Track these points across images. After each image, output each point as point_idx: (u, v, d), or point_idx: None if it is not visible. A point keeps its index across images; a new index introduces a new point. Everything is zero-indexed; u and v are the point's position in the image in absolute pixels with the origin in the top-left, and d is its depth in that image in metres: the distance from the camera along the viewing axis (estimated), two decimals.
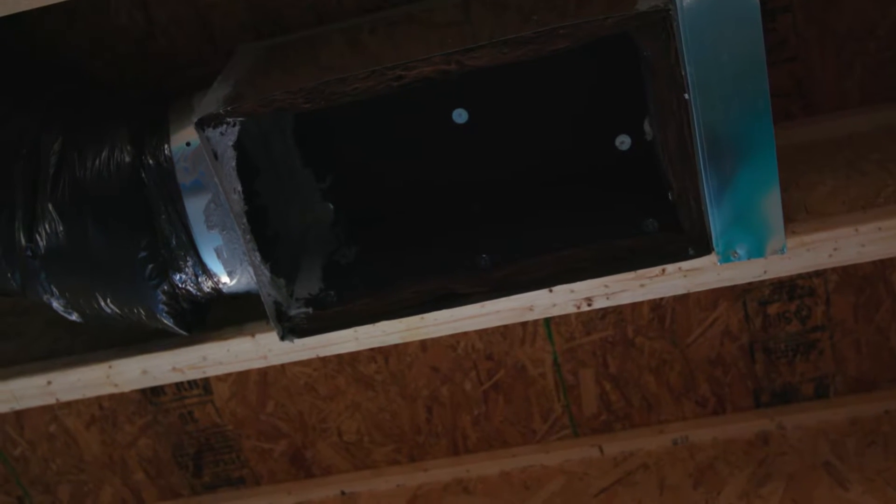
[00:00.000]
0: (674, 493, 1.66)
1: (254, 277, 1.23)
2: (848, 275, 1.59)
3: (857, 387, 1.70)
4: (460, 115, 1.34)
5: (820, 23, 1.38)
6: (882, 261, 1.56)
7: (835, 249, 1.22)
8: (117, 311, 1.29)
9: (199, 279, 1.28)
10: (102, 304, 1.28)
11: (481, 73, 1.12)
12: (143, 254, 1.24)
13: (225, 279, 1.28)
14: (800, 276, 1.58)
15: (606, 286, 1.26)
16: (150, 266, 1.25)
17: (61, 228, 1.24)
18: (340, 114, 1.31)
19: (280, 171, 1.35)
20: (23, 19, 1.17)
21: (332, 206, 1.41)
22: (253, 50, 1.35)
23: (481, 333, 1.69)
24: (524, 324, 1.68)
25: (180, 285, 1.28)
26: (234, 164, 1.16)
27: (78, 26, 1.42)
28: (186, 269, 1.26)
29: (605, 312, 1.66)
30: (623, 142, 1.33)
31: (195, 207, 1.23)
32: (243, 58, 1.32)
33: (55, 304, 1.31)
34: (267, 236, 1.25)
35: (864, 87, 1.43)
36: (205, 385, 1.78)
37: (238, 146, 1.16)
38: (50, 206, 1.24)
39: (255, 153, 1.27)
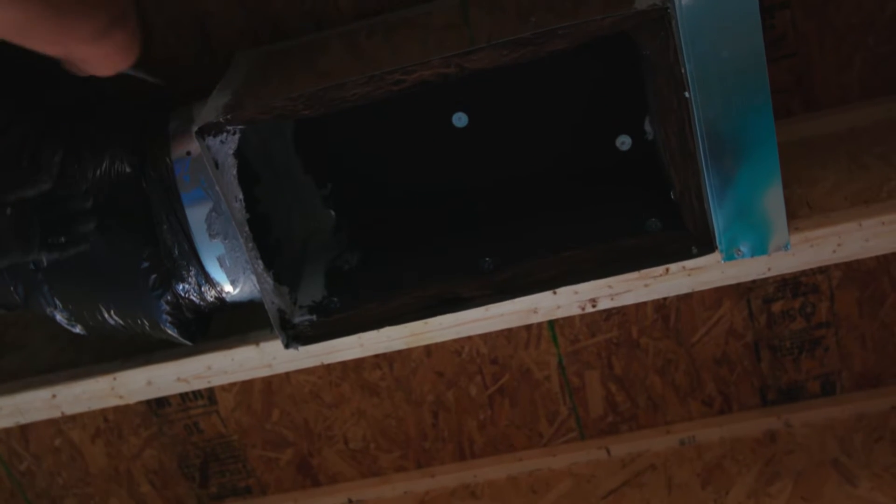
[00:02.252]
0: (682, 493, 1.66)
1: (257, 286, 1.23)
2: (851, 270, 1.59)
3: (864, 383, 1.69)
4: (460, 119, 1.34)
5: (818, 17, 1.38)
6: (886, 255, 1.56)
7: (839, 245, 1.22)
8: (121, 322, 1.29)
9: (202, 288, 1.27)
10: (106, 315, 1.28)
11: (481, 75, 1.12)
12: (145, 264, 1.24)
13: (228, 288, 1.28)
14: (803, 272, 1.58)
15: (610, 287, 1.25)
16: (153, 276, 1.24)
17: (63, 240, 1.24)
18: (340, 119, 1.31)
19: (281, 178, 1.35)
20: None
21: (333, 213, 1.41)
22: (251, 56, 1.35)
23: (486, 337, 1.69)
24: (528, 327, 1.67)
25: (183, 295, 1.27)
26: (234, 172, 1.16)
27: None
28: (189, 279, 1.26)
29: (609, 313, 1.65)
30: (624, 142, 1.33)
31: (197, 216, 1.23)
32: (242, 64, 1.32)
33: (58, 317, 1.30)
34: (269, 244, 1.25)
35: (863, 81, 1.42)
36: (209, 395, 1.78)
37: (238, 154, 1.16)
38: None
39: (256, 161, 1.27)
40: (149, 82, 1.22)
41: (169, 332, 1.30)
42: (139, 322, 1.29)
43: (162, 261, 1.24)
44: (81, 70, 1.09)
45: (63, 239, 1.11)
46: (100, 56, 1.00)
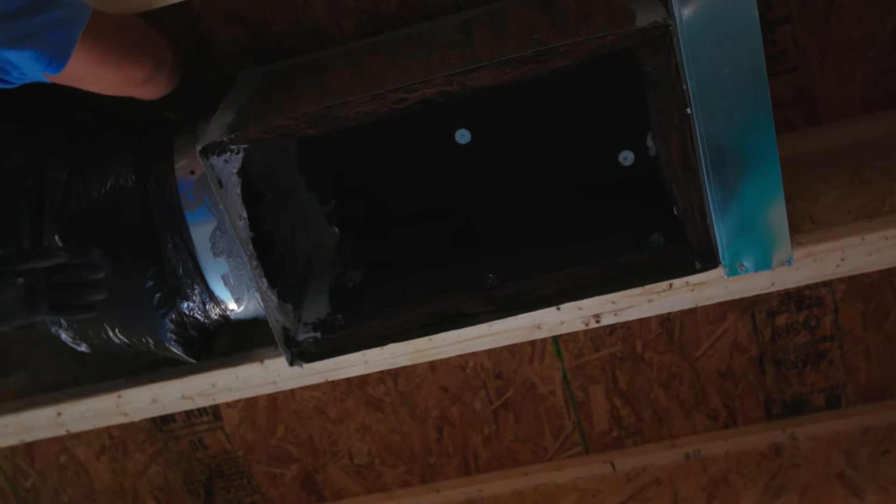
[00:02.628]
0: None
1: (261, 303, 1.23)
2: (855, 283, 1.58)
3: (869, 395, 1.69)
4: (463, 136, 1.34)
5: (819, 32, 1.39)
6: (889, 269, 1.55)
7: (842, 259, 1.22)
8: (125, 340, 1.29)
9: (207, 307, 1.28)
10: (111, 334, 1.28)
11: (483, 93, 1.12)
12: (150, 283, 1.24)
13: (232, 306, 1.28)
14: (807, 286, 1.58)
15: (614, 302, 1.25)
16: (158, 295, 1.25)
17: None
18: (344, 137, 1.31)
19: (284, 195, 1.35)
20: None
21: (336, 230, 1.41)
22: (255, 75, 1.35)
23: (490, 352, 1.69)
24: (532, 341, 1.67)
25: (188, 313, 1.28)
26: (238, 190, 1.17)
27: None
28: (194, 297, 1.26)
29: (613, 328, 1.65)
30: (626, 158, 1.33)
31: (201, 235, 1.23)
32: (245, 83, 1.32)
33: (63, 336, 1.31)
34: (273, 262, 1.25)
35: (865, 95, 1.43)
36: (214, 412, 1.78)
37: (242, 173, 1.16)
38: (56, 238, 1.24)
39: (260, 179, 1.27)
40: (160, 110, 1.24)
41: (173, 350, 1.30)
42: (144, 340, 1.29)
43: (166, 279, 1.25)
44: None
45: (72, 303, 1.16)
46: (147, 93, 1.18)
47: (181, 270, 1.24)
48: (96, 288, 1.17)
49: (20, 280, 1.12)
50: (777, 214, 1.16)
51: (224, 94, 1.29)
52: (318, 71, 1.32)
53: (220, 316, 1.29)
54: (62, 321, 1.28)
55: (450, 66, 1.11)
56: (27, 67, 1.00)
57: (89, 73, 1.07)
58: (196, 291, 1.26)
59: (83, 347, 1.32)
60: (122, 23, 1.11)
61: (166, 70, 1.17)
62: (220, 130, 1.14)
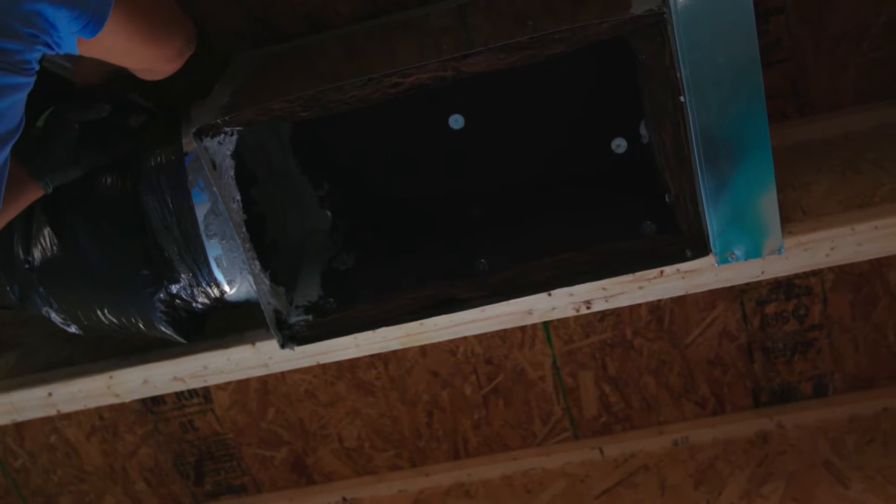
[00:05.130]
0: (675, 493, 1.66)
1: (253, 286, 1.23)
2: (844, 273, 1.59)
3: (856, 385, 1.70)
4: (456, 121, 1.34)
5: (813, 23, 1.39)
6: (878, 258, 1.57)
7: (832, 249, 1.23)
8: (115, 321, 1.29)
9: (199, 288, 1.28)
10: (100, 314, 1.28)
11: (478, 78, 1.12)
12: (140, 263, 1.24)
13: (225, 288, 1.28)
14: (797, 275, 1.59)
15: (605, 289, 1.26)
16: (147, 274, 1.25)
17: (58, 240, 1.24)
18: (338, 122, 1.31)
19: (278, 179, 1.35)
20: None
21: (329, 214, 1.41)
22: (249, 58, 1.35)
23: (480, 338, 1.70)
24: (523, 327, 1.68)
25: (178, 294, 1.28)
26: (232, 173, 1.17)
27: None
28: (185, 279, 1.26)
29: (603, 315, 1.66)
30: (619, 145, 1.34)
31: None
32: (240, 66, 1.32)
33: (54, 317, 1.31)
34: (266, 244, 1.25)
35: (858, 86, 1.43)
36: (205, 394, 1.78)
37: (236, 155, 1.17)
38: (44, 218, 1.23)
39: (253, 162, 1.27)
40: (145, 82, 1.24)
41: (163, 330, 1.30)
42: (133, 321, 1.29)
43: (156, 260, 1.25)
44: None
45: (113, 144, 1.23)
46: (170, 70, 1.19)
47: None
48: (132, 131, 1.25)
49: (77, 127, 1.20)
50: (768, 204, 1.17)
51: (218, 77, 1.29)
52: (313, 55, 1.32)
53: (212, 298, 1.29)
54: (53, 301, 1.28)
55: (445, 52, 1.11)
56: (63, 28, 0.97)
57: (120, 44, 1.07)
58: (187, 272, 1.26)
59: (73, 329, 1.32)
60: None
61: (192, 49, 1.19)
62: (215, 112, 1.14)
